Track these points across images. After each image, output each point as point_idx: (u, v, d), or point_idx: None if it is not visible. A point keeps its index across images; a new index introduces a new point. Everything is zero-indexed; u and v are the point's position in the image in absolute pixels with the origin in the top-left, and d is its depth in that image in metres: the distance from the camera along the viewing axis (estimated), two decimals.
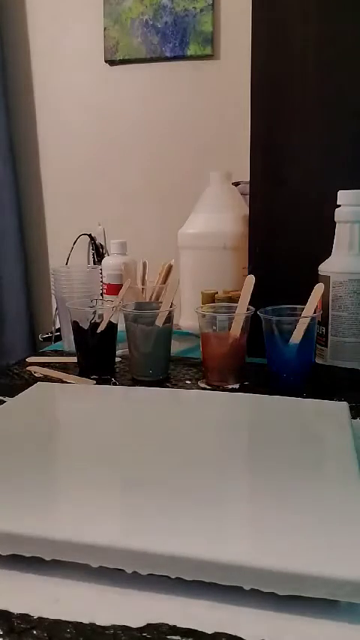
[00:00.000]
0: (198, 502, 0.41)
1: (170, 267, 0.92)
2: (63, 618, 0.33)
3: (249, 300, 0.72)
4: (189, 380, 0.76)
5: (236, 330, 0.72)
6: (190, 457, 0.49)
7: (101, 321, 0.77)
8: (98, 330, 0.77)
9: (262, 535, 0.37)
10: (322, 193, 0.81)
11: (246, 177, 0.86)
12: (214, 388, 0.73)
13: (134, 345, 0.76)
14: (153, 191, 1.88)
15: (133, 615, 0.34)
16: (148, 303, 0.84)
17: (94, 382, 0.76)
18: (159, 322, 0.75)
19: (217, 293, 0.93)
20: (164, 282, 0.91)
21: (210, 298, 0.92)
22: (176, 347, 0.92)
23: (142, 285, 0.95)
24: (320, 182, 0.82)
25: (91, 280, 0.90)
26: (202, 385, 0.74)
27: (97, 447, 0.51)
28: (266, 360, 0.73)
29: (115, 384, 0.76)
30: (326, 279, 0.78)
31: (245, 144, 0.84)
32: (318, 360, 0.80)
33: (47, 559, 0.37)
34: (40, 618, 0.33)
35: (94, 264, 1.75)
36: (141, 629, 0.32)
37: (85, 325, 0.77)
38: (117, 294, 0.81)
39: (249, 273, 0.74)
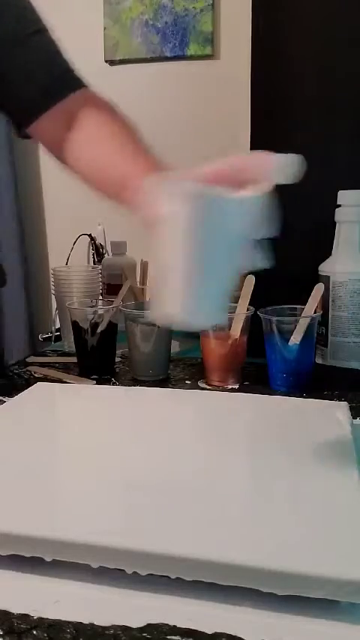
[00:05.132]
0: (198, 502, 0.41)
1: None
2: (63, 618, 0.33)
3: (249, 300, 0.72)
4: (189, 380, 0.76)
5: (236, 330, 0.72)
6: (190, 457, 0.49)
7: (101, 321, 0.77)
8: (98, 330, 0.77)
9: (262, 535, 0.37)
10: (323, 193, 0.81)
11: None
12: (214, 388, 0.73)
13: (134, 345, 0.76)
14: None
15: (133, 615, 0.33)
16: (148, 303, 0.84)
17: (94, 382, 0.76)
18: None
19: None
20: None
21: None
22: (176, 347, 0.92)
23: (142, 285, 0.95)
24: (320, 182, 0.81)
25: (91, 280, 0.90)
26: (202, 385, 0.74)
27: (96, 447, 0.51)
28: (266, 360, 0.73)
29: (115, 384, 0.76)
30: (326, 279, 0.78)
31: (245, 144, 0.84)
32: (318, 360, 0.80)
33: (47, 559, 0.37)
34: (40, 618, 0.33)
35: (94, 264, 1.74)
36: (141, 629, 0.32)
37: (85, 325, 0.77)
38: (117, 294, 0.81)
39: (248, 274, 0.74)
